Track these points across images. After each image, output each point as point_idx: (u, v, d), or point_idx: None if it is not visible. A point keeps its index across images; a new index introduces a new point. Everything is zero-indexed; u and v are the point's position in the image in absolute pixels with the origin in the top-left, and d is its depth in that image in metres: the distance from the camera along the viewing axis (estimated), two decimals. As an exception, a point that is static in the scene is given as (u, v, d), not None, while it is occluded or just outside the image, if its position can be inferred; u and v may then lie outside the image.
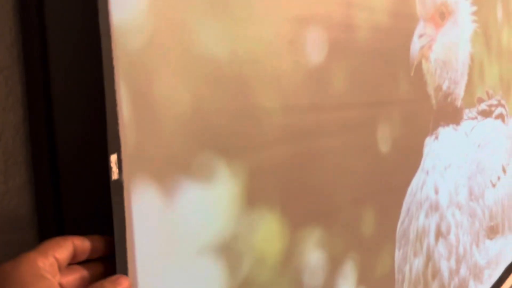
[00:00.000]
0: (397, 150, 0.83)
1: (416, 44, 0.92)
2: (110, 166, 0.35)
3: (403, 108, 0.86)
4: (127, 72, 0.39)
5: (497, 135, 1.29)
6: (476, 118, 1.18)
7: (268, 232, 0.53)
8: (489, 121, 1.25)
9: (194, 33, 0.45)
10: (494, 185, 1.24)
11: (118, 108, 0.37)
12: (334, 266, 0.66)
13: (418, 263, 0.90)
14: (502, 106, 1.37)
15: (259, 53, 0.52)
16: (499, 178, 1.27)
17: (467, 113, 1.13)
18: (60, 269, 0.37)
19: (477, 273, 1.15)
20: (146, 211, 0.40)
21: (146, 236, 0.40)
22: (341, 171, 0.68)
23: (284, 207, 0.56)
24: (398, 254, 0.84)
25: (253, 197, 0.51)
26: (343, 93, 0.68)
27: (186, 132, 0.44)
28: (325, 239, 0.64)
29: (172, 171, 0.42)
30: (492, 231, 1.24)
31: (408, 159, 0.88)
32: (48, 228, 0.39)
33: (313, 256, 0.61)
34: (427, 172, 0.94)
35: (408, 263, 0.87)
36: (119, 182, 0.36)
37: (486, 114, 1.24)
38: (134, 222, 0.39)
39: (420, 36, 0.95)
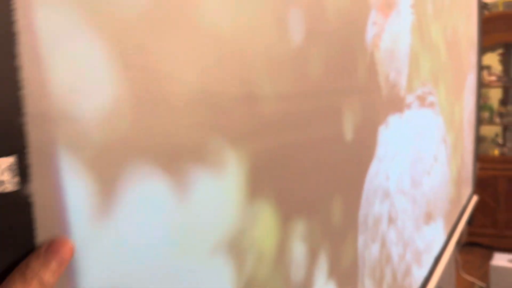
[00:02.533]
0: (358, 138, 0.82)
1: (370, 32, 0.92)
2: None
3: (362, 96, 0.86)
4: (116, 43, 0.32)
5: (430, 125, 1.34)
6: (412, 103, 1.22)
7: (265, 225, 0.49)
8: (424, 110, 1.30)
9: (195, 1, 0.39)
10: (429, 173, 1.29)
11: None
12: (311, 258, 0.63)
13: (375, 249, 0.90)
14: (433, 94, 1.43)
15: (253, 29, 0.47)
16: (432, 166, 1.33)
17: (406, 99, 1.16)
18: None
19: (418, 257, 1.19)
20: (154, 205, 0.34)
21: (153, 233, 0.34)
22: (318, 160, 0.65)
23: (277, 198, 0.51)
24: (360, 241, 0.83)
25: (254, 187, 0.46)
26: (319, 80, 0.65)
27: (195, 113, 0.38)
28: (307, 231, 0.60)
29: (183, 158, 0.36)
30: (428, 217, 1.29)
31: (367, 147, 0.88)
32: None
33: (298, 250, 0.58)
34: (380, 160, 0.94)
35: (367, 249, 0.87)
36: (19, 195, 0.27)
37: (421, 100, 1.29)
38: (129, 220, 0.33)
39: (373, 24, 0.95)
